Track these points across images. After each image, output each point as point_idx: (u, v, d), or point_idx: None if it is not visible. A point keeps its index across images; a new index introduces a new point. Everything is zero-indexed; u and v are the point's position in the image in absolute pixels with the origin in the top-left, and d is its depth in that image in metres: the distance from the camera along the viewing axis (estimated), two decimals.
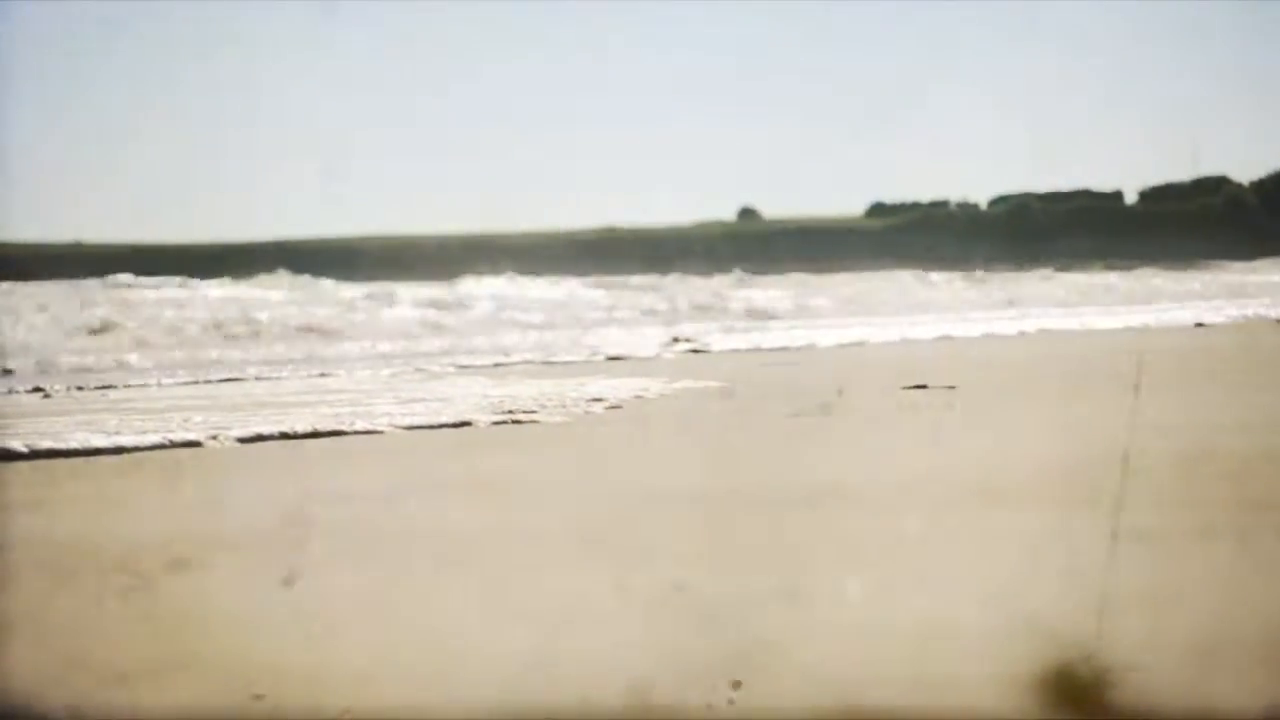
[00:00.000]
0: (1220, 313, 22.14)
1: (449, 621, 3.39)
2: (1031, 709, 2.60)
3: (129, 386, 11.42)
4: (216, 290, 27.58)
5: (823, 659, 2.95)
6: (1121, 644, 2.89)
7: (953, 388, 9.04)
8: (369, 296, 26.01)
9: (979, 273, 45.60)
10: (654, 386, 9.79)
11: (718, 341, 17.14)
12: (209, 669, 3.03)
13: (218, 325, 20.25)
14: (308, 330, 20.45)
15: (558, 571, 3.91)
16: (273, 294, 26.73)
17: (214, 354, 16.55)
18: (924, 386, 9.08)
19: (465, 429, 7.47)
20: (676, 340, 17.26)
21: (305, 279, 35.16)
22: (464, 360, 14.13)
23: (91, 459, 6.49)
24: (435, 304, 25.32)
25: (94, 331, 18.86)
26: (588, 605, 3.51)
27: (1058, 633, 2.94)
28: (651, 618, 3.35)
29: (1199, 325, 18.78)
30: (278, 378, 12.35)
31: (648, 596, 3.56)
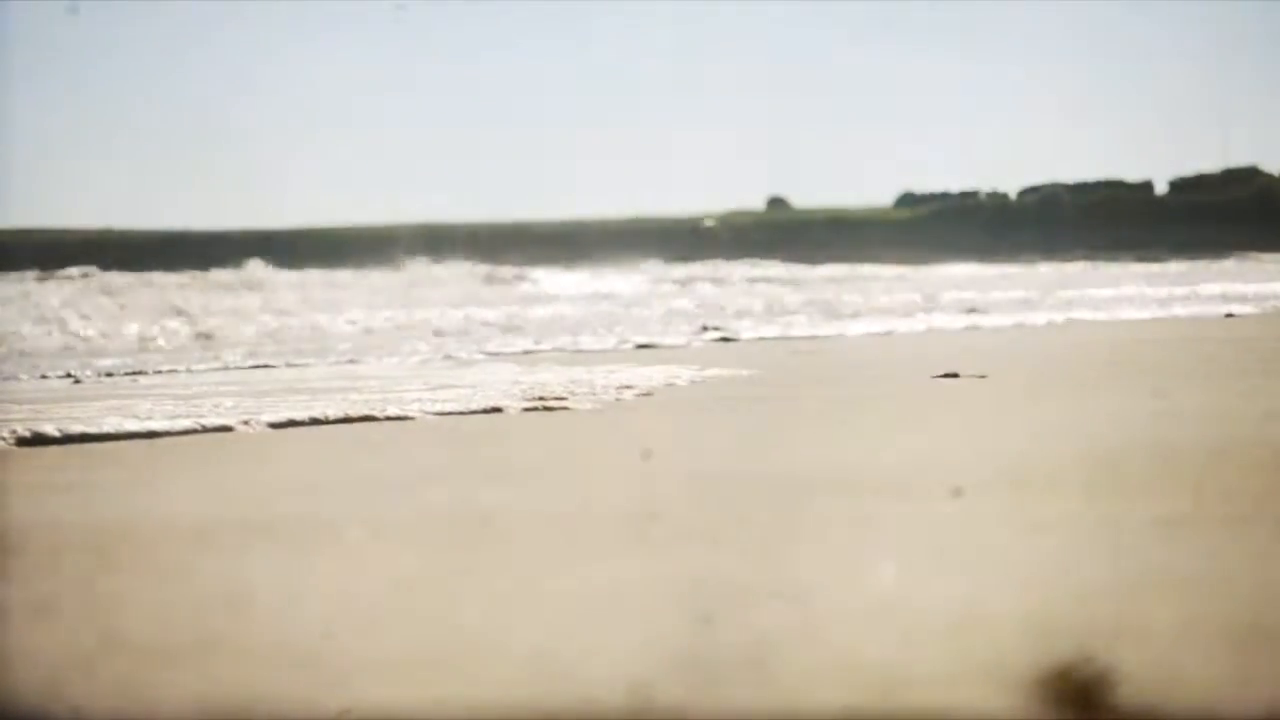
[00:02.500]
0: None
1: (480, 605, 3.40)
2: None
3: (159, 373, 11.46)
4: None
5: (850, 643, 2.96)
6: None
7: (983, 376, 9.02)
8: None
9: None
10: (685, 374, 9.80)
11: (746, 330, 17.12)
12: (241, 650, 3.04)
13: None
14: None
15: (590, 555, 3.92)
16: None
17: None
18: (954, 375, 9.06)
19: (496, 415, 7.48)
20: (705, 329, 17.25)
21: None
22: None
23: (123, 443, 6.52)
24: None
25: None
26: (618, 590, 3.51)
27: None
28: (682, 602, 3.36)
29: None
30: (305, 364, 12.37)
31: (681, 580, 3.57)
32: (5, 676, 2.89)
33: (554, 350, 13.96)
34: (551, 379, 9.37)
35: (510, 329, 18.24)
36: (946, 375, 9.03)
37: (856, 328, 17.66)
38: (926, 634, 2.97)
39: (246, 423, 7.01)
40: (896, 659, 2.82)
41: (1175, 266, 46.86)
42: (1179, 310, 20.66)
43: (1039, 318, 19.28)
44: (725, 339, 15.76)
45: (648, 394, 8.48)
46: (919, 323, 18.57)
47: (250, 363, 12.52)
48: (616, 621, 3.20)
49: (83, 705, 2.74)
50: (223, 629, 3.21)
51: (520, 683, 2.78)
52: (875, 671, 2.75)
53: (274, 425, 7.01)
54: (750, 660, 2.84)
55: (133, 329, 18.91)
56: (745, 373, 10.15)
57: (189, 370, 11.69)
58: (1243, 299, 23.55)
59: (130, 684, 2.84)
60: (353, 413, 7.39)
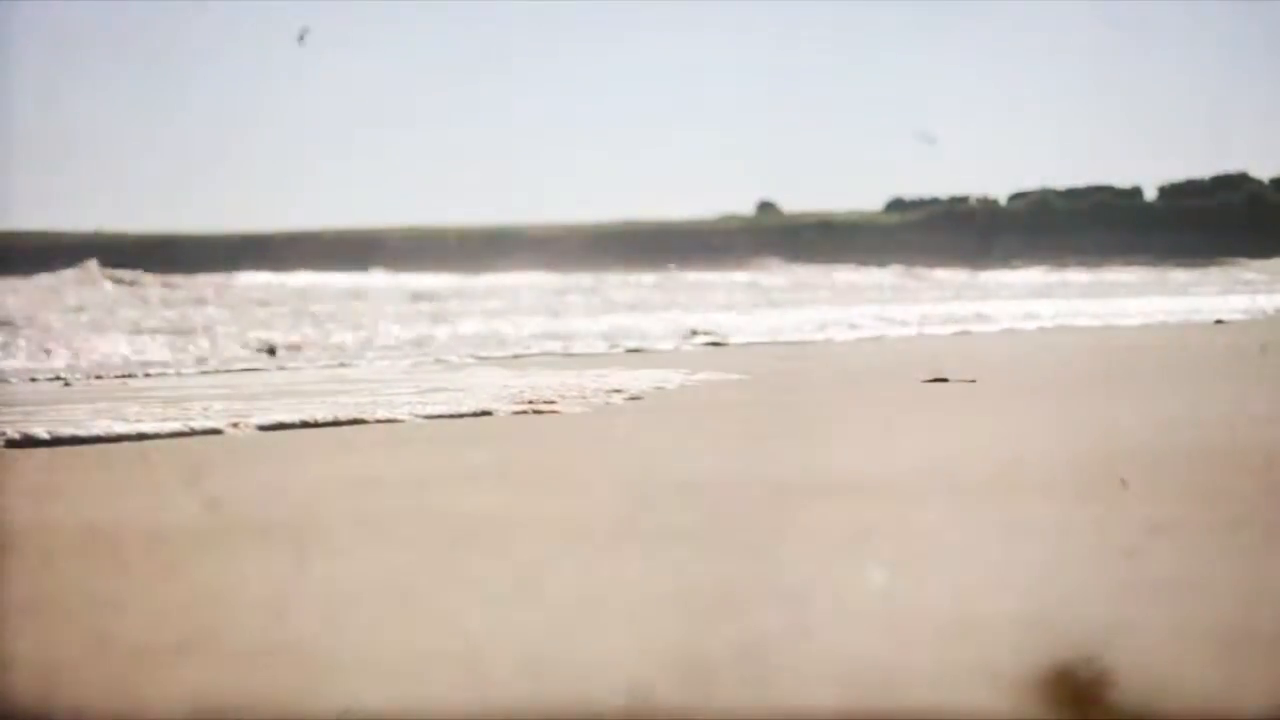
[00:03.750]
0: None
1: (474, 607, 3.39)
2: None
3: (149, 375, 11.45)
4: None
5: (841, 641, 2.95)
6: None
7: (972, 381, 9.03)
8: None
9: None
10: (674, 378, 9.80)
11: (736, 335, 17.12)
12: (237, 651, 3.04)
13: None
14: None
15: (580, 557, 3.91)
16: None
17: None
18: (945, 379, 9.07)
19: (485, 418, 7.48)
20: (695, 333, 17.25)
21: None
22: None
23: (113, 446, 6.51)
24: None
25: None
26: (607, 593, 3.51)
27: None
28: (671, 605, 3.35)
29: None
30: (296, 368, 12.36)
31: (672, 582, 3.57)
32: (1, 677, 2.88)
33: (544, 354, 13.95)
34: (541, 382, 9.37)
35: (494, 335, 18.23)
36: (936, 380, 9.04)
37: (846, 333, 17.66)
38: (923, 637, 2.97)
39: (236, 425, 7.00)
40: (893, 662, 2.82)
41: (1164, 272, 46.90)
42: (1168, 316, 20.68)
43: (1028, 323, 19.29)
44: (715, 343, 15.75)
45: (637, 398, 8.48)
46: (909, 328, 18.57)
47: (239, 366, 12.50)
48: (610, 624, 3.20)
49: (79, 706, 2.73)
50: (218, 630, 3.21)
51: (512, 684, 2.77)
52: (872, 674, 2.74)
53: (263, 428, 7.00)
54: (746, 663, 2.84)
55: (134, 330, 18.90)
56: (735, 377, 10.15)
57: (178, 373, 11.67)
58: (1232, 305, 23.59)
59: (125, 685, 2.84)
60: (342, 416, 7.38)
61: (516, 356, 13.59)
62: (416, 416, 7.44)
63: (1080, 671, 2.63)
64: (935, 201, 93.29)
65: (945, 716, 2.56)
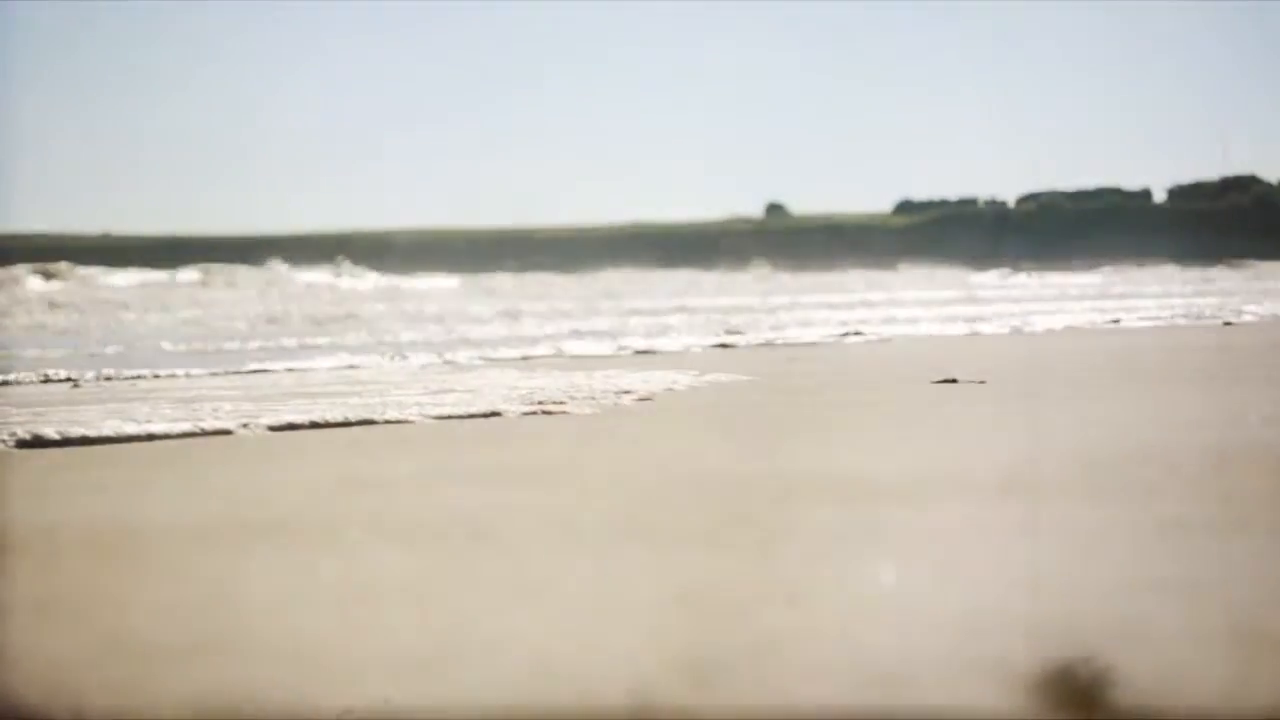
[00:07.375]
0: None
1: (480, 607, 3.40)
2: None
3: (158, 376, 11.45)
4: None
5: (837, 642, 2.96)
6: None
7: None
8: None
9: None
10: (684, 379, 9.79)
11: (745, 337, 17.12)
12: (241, 651, 3.04)
13: None
14: None
15: (588, 557, 3.92)
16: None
17: None
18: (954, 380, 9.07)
19: (495, 419, 7.48)
20: (706, 335, 17.25)
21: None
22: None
23: (123, 446, 6.51)
24: None
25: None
26: (617, 591, 3.52)
27: None
28: (682, 605, 3.36)
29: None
30: (308, 369, 12.36)
31: (676, 583, 3.57)
32: (5, 677, 2.88)
33: (553, 355, 13.95)
34: (550, 384, 9.36)
35: (510, 336, 18.23)
36: (946, 380, 9.04)
37: (855, 334, 17.65)
38: (930, 638, 2.98)
39: (246, 426, 7.01)
40: (899, 663, 2.82)
41: (1173, 274, 46.86)
42: (1176, 318, 20.65)
43: (1037, 324, 19.28)
44: (724, 345, 15.74)
45: (647, 399, 8.48)
46: (918, 329, 18.56)
47: (250, 367, 12.50)
48: (616, 623, 3.20)
49: (83, 706, 2.74)
50: (223, 630, 3.21)
51: (519, 684, 2.78)
52: (876, 674, 2.75)
53: (273, 428, 7.01)
54: (750, 663, 2.84)
55: (137, 331, 18.97)
56: (745, 378, 10.15)
57: (188, 374, 11.68)
58: (1240, 307, 23.55)
59: (130, 685, 2.84)
60: (352, 416, 7.39)
61: (525, 358, 13.59)
62: (426, 417, 7.45)
63: (1082, 671, 2.63)
64: (944, 203, 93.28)
65: (945, 716, 2.56)
